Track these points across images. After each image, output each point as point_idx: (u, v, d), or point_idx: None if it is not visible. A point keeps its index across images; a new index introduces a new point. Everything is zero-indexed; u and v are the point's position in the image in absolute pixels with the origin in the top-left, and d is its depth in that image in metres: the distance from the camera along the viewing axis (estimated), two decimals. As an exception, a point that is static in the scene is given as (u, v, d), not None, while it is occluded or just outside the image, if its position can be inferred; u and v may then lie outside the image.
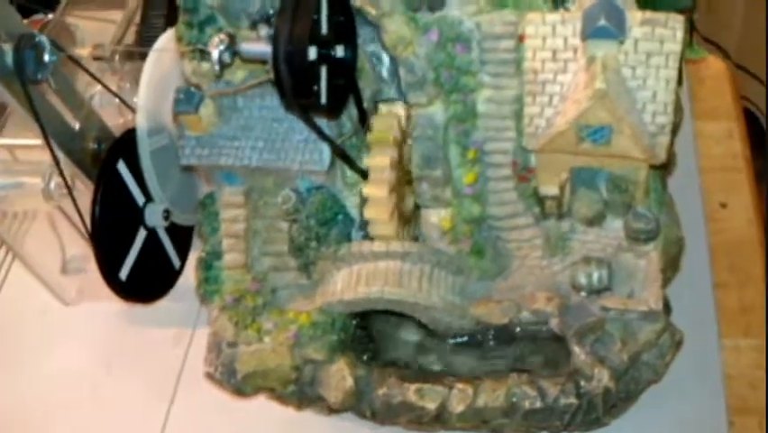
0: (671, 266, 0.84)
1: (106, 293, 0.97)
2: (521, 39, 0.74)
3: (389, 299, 0.81)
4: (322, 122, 0.80)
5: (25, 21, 0.95)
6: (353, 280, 0.83)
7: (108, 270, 0.91)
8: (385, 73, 0.86)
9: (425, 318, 0.84)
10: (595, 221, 0.81)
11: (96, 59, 1.00)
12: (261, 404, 0.96)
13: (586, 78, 0.68)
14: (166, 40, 0.97)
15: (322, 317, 0.84)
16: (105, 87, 0.94)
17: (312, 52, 0.68)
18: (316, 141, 0.80)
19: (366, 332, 0.90)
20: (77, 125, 0.92)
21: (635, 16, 0.68)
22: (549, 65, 0.71)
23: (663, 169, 0.81)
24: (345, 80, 0.76)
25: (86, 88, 0.99)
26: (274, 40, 0.67)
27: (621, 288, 0.80)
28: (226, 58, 0.74)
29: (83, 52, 1.09)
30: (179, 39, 0.82)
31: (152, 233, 0.99)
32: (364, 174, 0.83)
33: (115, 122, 1.02)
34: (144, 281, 0.98)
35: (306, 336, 0.84)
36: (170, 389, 1.04)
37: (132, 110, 0.97)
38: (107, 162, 0.92)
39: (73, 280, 1.11)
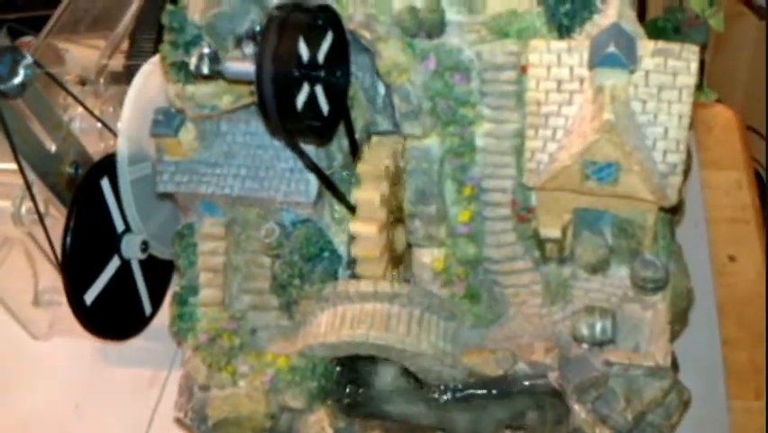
0: (679, 319, 0.79)
1: (80, 329, 0.92)
2: (524, 70, 0.70)
3: (375, 343, 0.75)
4: (310, 151, 0.75)
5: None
6: (337, 322, 0.78)
7: (73, 289, 0.86)
8: (380, 103, 0.82)
9: (414, 367, 0.78)
10: (599, 268, 0.77)
11: (81, 83, 0.96)
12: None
13: (593, 110, 0.64)
14: (153, 63, 0.93)
15: (302, 362, 0.79)
16: (85, 107, 0.90)
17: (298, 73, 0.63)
18: (303, 170, 0.76)
19: (351, 380, 0.83)
20: (53, 147, 0.88)
21: (646, 46, 0.63)
22: (553, 96, 0.67)
23: (673, 214, 0.76)
24: (336, 105, 0.72)
25: (66, 111, 0.94)
26: (258, 58, 0.62)
27: (626, 341, 0.75)
28: (204, 68, 0.69)
29: (68, 76, 1.05)
30: (163, 58, 0.78)
31: (126, 265, 0.94)
32: (353, 209, 0.78)
33: (96, 148, 0.97)
34: (111, 315, 0.93)
35: (283, 381, 0.78)
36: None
37: (115, 135, 0.92)
38: (88, 179, 0.87)
39: (45, 313, 1.06)
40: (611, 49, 0.62)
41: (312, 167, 0.73)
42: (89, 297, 0.88)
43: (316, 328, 0.79)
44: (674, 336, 0.78)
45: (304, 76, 0.65)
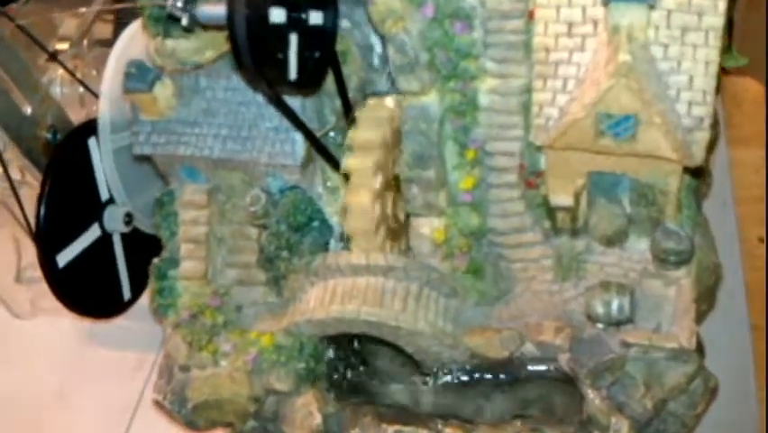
0: (705, 298, 0.72)
1: (64, 309, 0.88)
2: (531, 16, 0.63)
3: (367, 320, 0.69)
4: (297, 110, 0.69)
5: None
6: (327, 298, 0.71)
7: (45, 247, 0.81)
8: (376, 61, 0.75)
9: (411, 347, 0.72)
10: (616, 239, 0.70)
11: (62, 40, 0.90)
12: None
13: (608, 54, 0.56)
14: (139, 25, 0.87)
15: (288, 340, 0.73)
16: (63, 66, 0.84)
17: (276, 14, 0.56)
18: (289, 129, 0.70)
19: (343, 362, 0.77)
20: (28, 110, 0.84)
21: (668, -20, 0.56)
22: (563, 41, 0.60)
23: (698, 178, 0.68)
24: (323, 53, 0.65)
25: (45, 74, 0.88)
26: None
27: (646, 320, 0.69)
28: (178, 2, 0.62)
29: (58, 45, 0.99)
30: (141, 9, 0.72)
31: (107, 239, 0.88)
32: (346, 176, 0.71)
33: (78, 115, 0.91)
34: (85, 287, 0.88)
35: (267, 361, 0.73)
36: (125, 420, 0.96)
37: (97, 98, 0.86)
38: (69, 141, 0.83)
39: (27, 290, 1.01)
40: (629, -20, 0.55)
41: (296, 122, 0.66)
42: (62, 259, 0.83)
43: (305, 304, 0.73)
44: (700, 316, 0.72)
45: (285, 19, 0.59)
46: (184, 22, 0.63)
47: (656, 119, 0.57)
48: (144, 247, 0.88)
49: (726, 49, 0.86)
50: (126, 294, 0.93)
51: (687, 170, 0.64)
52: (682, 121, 0.59)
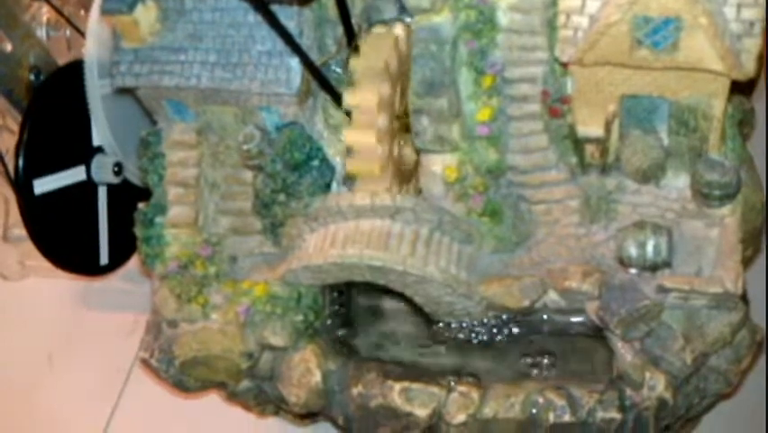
0: (751, 241, 0.66)
1: (55, 270, 0.85)
2: None
3: (370, 265, 0.63)
4: (292, 31, 0.62)
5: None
6: (327, 243, 0.64)
7: (23, 168, 0.77)
8: None
9: (420, 297, 0.66)
10: (651, 175, 0.64)
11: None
12: (221, 405, 0.81)
13: (646, -56, 0.49)
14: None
15: (284, 290, 0.67)
16: (49, 3, 0.78)
17: None
18: (283, 54, 0.63)
19: (347, 314, 0.70)
20: (8, 47, 0.78)
21: None
22: None
23: (746, 95, 0.61)
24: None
25: (27, 11, 0.82)
26: None
27: (685, 264, 0.63)
28: None
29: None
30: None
31: (93, 189, 0.83)
32: (349, 114, 0.66)
33: (65, 58, 0.85)
34: (58, 229, 0.83)
35: (261, 313, 0.67)
36: (118, 385, 0.92)
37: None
38: (57, 77, 0.79)
39: (15, 249, 0.97)
40: None
41: (291, 43, 0.60)
42: (39, 187, 0.78)
43: (303, 252, 0.67)
44: (746, 261, 0.65)
45: None
46: None
47: (702, 20, 0.50)
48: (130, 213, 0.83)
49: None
50: (103, 258, 0.88)
51: (734, 88, 0.56)
52: (730, 26, 0.52)
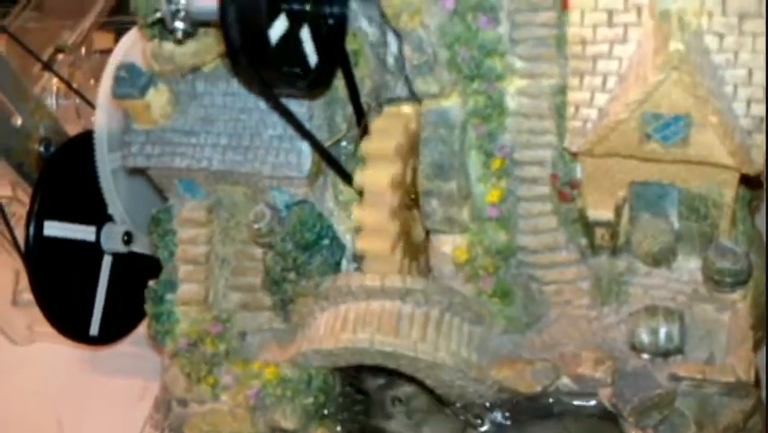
0: (762, 324, 0.65)
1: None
2: (565, 5, 0.57)
3: (381, 350, 0.64)
4: (303, 118, 0.63)
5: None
6: (338, 325, 0.65)
7: (38, 204, 0.77)
8: (392, 63, 0.72)
9: (431, 381, 0.66)
10: (662, 259, 0.64)
11: (58, 51, 0.85)
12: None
13: (656, 44, 0.50)
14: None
15: (294, 373, 0.68)
16: (56, 74, 0.79)
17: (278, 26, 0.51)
18: (294, 138, 0.64)
19: (357, 396, 0.70)
20: (18, 121, 0.80)
21: (724, -40, 0.49)
22: (603, 32, 0.54)
23: (754, 188, 0.62)
24: (328, 51, 0.59)
25: (38, 83, 0.83)
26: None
27: (697, 350, 0.64)
28: (179, 23, 0.57)
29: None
30: (135, 11, 0.66)
31: (98, 255, 0.84)
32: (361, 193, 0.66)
33: (75, 128, 0.86)
34: (56, 280, 0.82)
35: (272, 396, 0.68)
36: None
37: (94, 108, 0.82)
38: (67, 148, 0.79)
39: (24, 313, 0.97)
40: (679, -41, 0.48)
41: (300, 129, 0.60)
42: (48, 228, 0.79)
43: (314, 332, 0.67)
44: (757, 344, 0.65)
45: (282, 8, 0.52)
46: (179, 25, 0.58)
47: (712, 118, 0.51)
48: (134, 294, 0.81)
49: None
50: (94, 328, 0.87)
51: (743, 179, 0.57)
52: (740, 122, 0.53)
